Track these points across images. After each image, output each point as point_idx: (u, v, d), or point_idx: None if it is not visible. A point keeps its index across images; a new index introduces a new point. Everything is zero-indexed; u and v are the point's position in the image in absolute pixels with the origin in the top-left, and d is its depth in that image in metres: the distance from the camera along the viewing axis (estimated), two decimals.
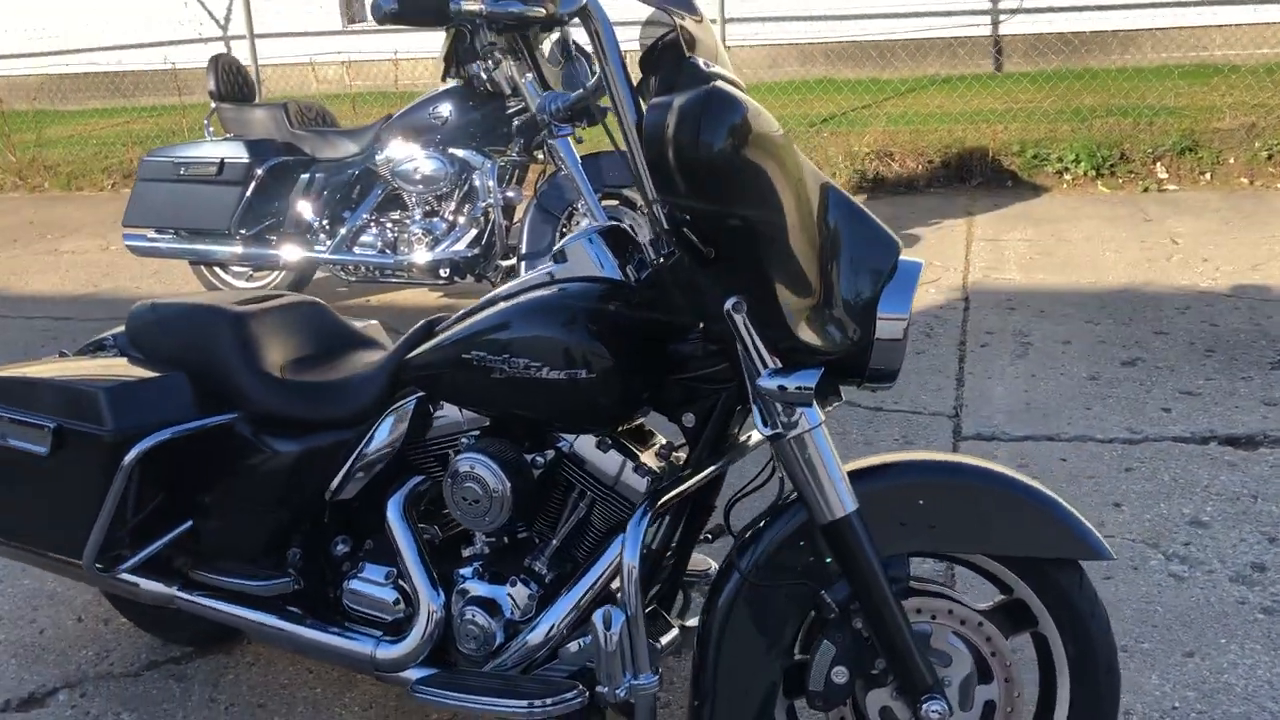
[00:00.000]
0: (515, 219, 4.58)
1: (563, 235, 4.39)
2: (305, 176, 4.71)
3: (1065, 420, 3.38)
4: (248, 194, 4.63)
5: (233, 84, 4.95)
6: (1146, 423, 3.33)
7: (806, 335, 1.60)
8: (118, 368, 2.19)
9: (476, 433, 1.97)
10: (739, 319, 1.60)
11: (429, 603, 1.96)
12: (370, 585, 2.08)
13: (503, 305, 1.85)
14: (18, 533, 2.23)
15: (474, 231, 4.49)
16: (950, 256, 5.14)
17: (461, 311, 1.94)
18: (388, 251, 4.64)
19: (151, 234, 4.92)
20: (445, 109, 4.50)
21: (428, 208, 4.60)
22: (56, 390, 2.09)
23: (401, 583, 2.05)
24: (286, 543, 2.15)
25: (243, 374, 2.11)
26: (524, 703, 1.81)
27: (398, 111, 4.66)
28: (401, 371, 1.97)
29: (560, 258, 1.86)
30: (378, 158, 4.58)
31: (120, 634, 2.61)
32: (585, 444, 1.91)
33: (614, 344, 1.75)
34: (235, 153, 4.63)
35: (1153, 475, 3.01)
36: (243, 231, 4.69)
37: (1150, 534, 2.72)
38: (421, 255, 4.52)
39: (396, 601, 2.05)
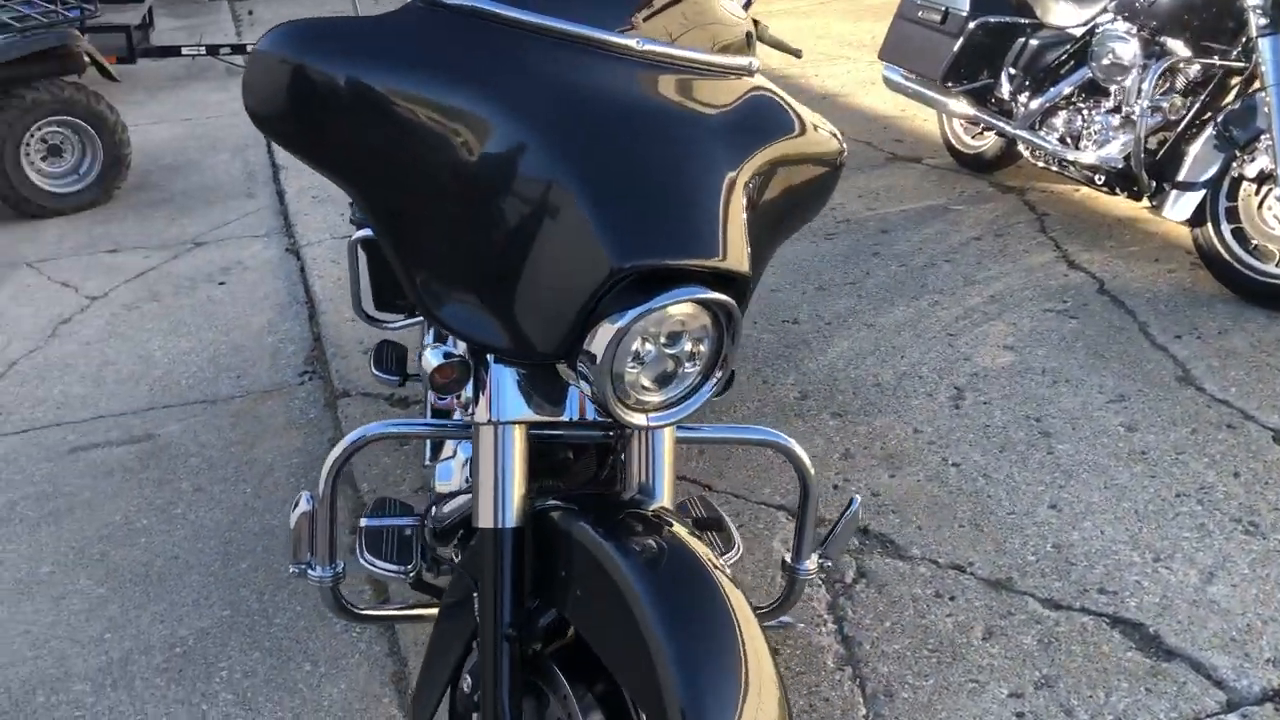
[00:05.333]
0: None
1: (1238, 172, 3.46)
2: (1021, 41, 4.34)
3: None
4: (956, 48, 4.44)
5: None
6: None
7: (440, 311, 1.44)
8: None
9: None
10: None
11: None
12: None
13: None
14: None
15: (1130, 139, 3.75)
16: None
17: None
18: (1068, 141, 4.11)
19: (905, 71, 5.01)
20: None
21: (1120, 100, 3.92)
22: None
23: None
24: None
25: None
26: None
27: None
28: None
29: None
30: (1096, 33, 4.01)
31: None
32: None
33: None
34: (959, 5, 4.44)
35: None
36: (949, 84, 4.54)
37: None
38: (1087, 152, 3.95)
39: None
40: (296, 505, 1.75)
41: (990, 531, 2.52)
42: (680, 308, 1.33)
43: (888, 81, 5.09)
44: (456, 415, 2.06)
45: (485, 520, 1.46)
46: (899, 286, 3.80)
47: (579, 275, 1.30)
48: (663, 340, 1.36)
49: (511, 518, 1.45)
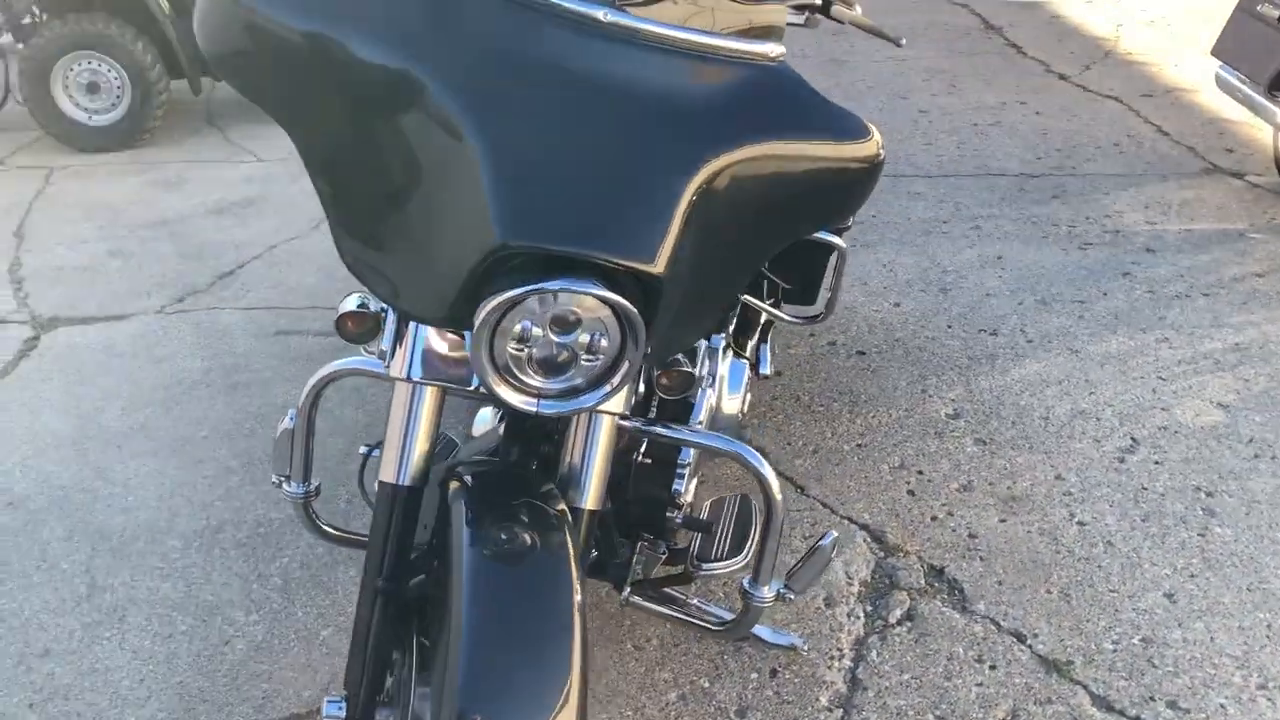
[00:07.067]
0: None
1: None
2: None
3: None
4: None
5: None
6: None
7: (354, 264, 1.48)
8: None
9: None
10: None
11: None
12: None
13: None
14: None
15: None
16: None
17: None
18: None
19: (1239, 72, 4.34)
20: None
21: None
22: None
23: None
24: None
25: None
26: None
27: None
28: None
29: None
30: None
31: None
32: None
33: None
34: None
35: None
36: (1276, 94, 3.90)
37: None
38: None
39: None
40: (282, 422, 1.86)
41: (1078, 605, 2.23)
42: (576, 298, 1.30)
43: (1219, 81, 4.46)
44: None
45: (386, 474, 1.51)
46: (1132, 314, 3.38)
47: (470, 247, 1.29)
48: (551, 328, 1.33)
49: (407, 477, 1.49)
